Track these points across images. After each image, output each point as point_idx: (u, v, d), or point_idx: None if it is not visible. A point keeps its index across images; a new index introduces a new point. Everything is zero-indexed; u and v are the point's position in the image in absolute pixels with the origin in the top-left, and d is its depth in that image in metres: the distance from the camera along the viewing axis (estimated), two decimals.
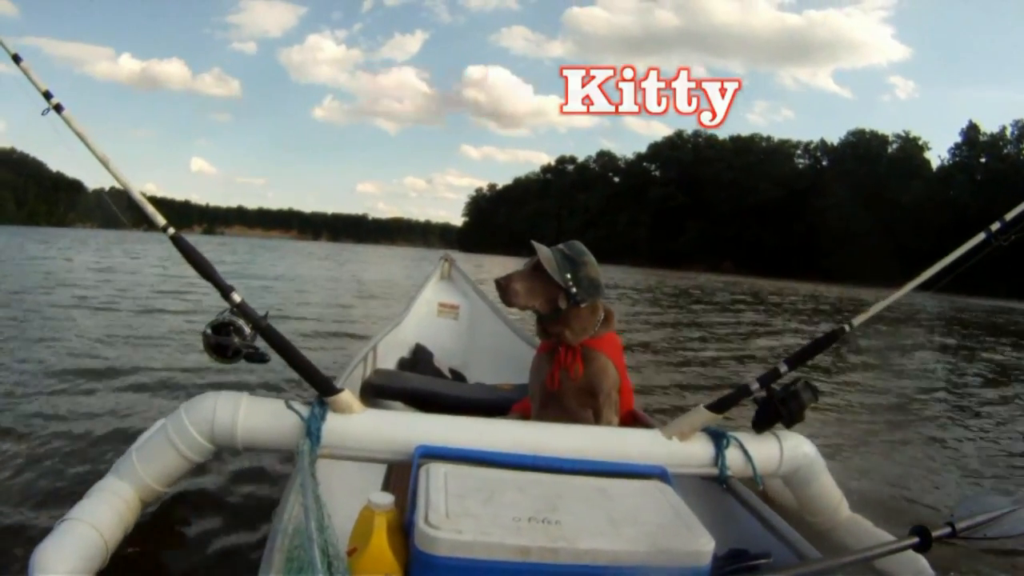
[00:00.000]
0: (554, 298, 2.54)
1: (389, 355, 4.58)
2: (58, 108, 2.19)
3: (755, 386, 2.29)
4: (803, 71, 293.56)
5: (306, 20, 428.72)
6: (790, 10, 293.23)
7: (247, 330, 2.09)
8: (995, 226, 2.35)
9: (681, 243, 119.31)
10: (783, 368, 2.29)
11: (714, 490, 2.38)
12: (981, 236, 2.36)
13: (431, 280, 6.03)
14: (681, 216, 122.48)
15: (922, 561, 2.18)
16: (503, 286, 2.57)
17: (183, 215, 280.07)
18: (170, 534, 2.95)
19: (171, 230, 2.12)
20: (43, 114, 2.19)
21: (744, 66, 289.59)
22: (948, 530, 2.16)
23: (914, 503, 4.14)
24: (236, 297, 2.08)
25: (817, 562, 1.89)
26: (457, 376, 4.77)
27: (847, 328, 2.32)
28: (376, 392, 3.48)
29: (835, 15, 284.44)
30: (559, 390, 2.58)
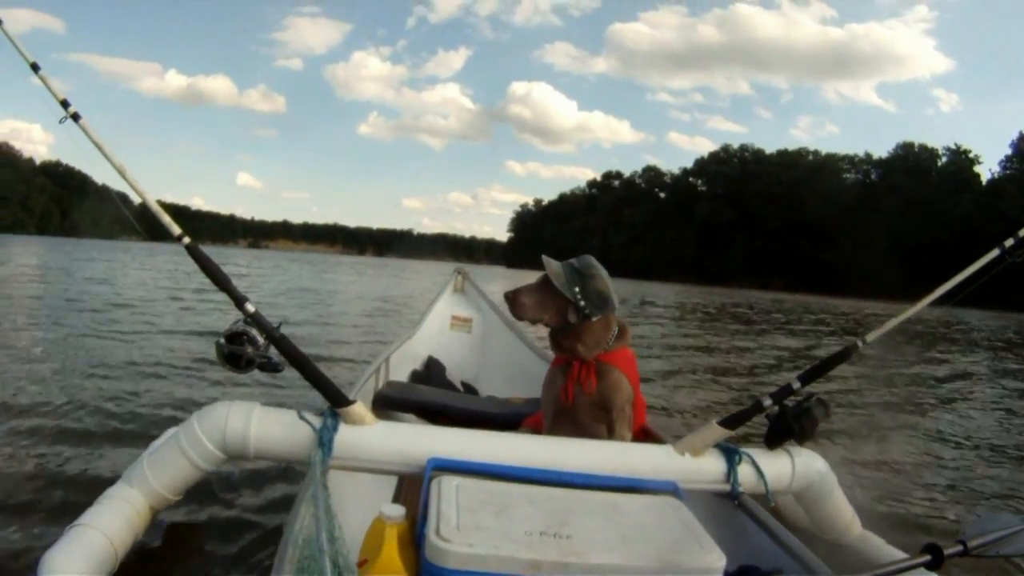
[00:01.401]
0: (563, 312, 2.53)
1: (401, 367, 4.58)
2: (75, 117, 2.20)
3: (768, 402, 2.28)
4: (846, 85, 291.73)
5: (351, 37, 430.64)
6: (832, 24, 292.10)
7: (261, 340, 2.11)
8: (1009, 242, 2.34)
9: (728, 259, 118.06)
10: (796, 384, 2.28)
11: (726, 506, 2.37)
12: (995, 252, 2.35)
13: (444, 293, 6.01)
14: (728, 232, 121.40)
15: None
16: (512, 299, 2.58)
17: (228, 229, 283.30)
18: (180, 543, 2.95)
19: (186, 240, 2.13)
20: (60, 122, 2.19)
21: (788, 81, 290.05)
22: (960, 548, 2.14)
23: (925, 521, 4.11)
24: (250, 307, 2.08)
25: None
26: (469, 389, 4.76)
27: (860, 344, 2.31)
28: (388, 404, 3.48)
29: (877, 28, 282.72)
30: (572, 405, 2.56)
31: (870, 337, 2.31)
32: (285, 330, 2.17)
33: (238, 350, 2.10)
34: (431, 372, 4.76)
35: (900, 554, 2.31)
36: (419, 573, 1.60)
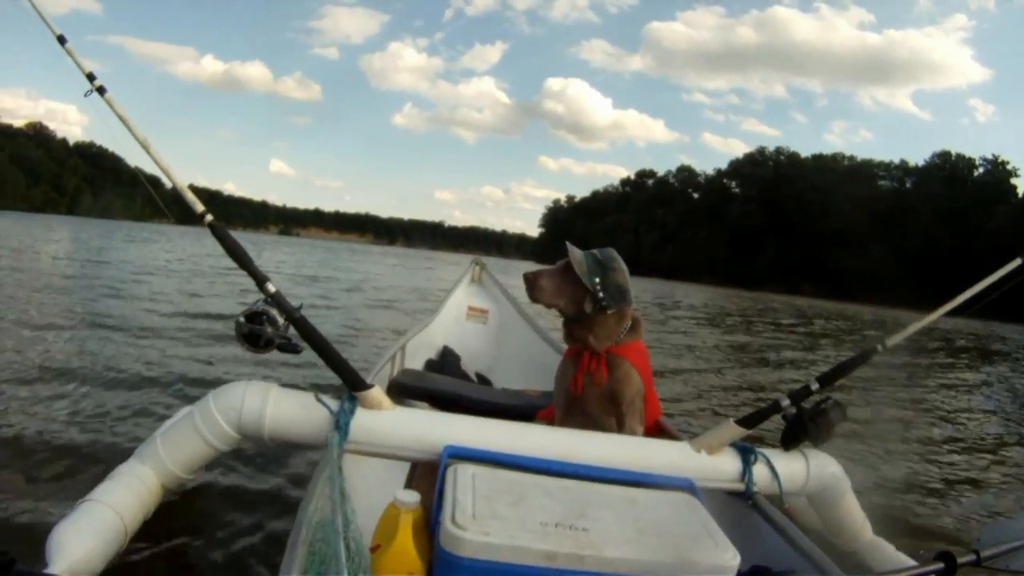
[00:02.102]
0: (580, 300, 2.52)
1: (417, 356, 4.59)
2: (101, 90, 2.19)
3: (785, 402, 2.27)
4: (882, 91, 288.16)
5: (388, 27, 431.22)
6: (870, 29, 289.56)
7: (280, 320, 2.10)
8: None
9: (759, 263, 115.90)
10: (814, 386, 2.27)
11: (739, 505, 2.36)
12: (1017, 262, 2.35)
13: (461, 283, 6.01)
14: (760, 235, 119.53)
15: None
16: (531, 281, 2.56)
17: (260, 215, 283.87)
18: (191, 520, 2.96)
19: (209, 218, 2.12)
20: (85, 95, 2.19)
21: (824, 85, 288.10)
22: (973, 557, 2.13)
23: (938, 525, 4.10)
24: (271, 287, 2.08)
25: None
26: (483, 380, 4.76)
27: (879, 348, 2.31)
28: (402, 392, 3.47)
29: (915, 35, 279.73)
30: (582, 395, 2.56)
31: (890, 341, 2.32)
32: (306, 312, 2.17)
33: (257, 330, 2.09)
34: (446, 361, 4.76)
35: (911, 561, 2.30)
36: (432, 560, 1.60)
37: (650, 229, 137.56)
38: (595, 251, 2.58)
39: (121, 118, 2.16)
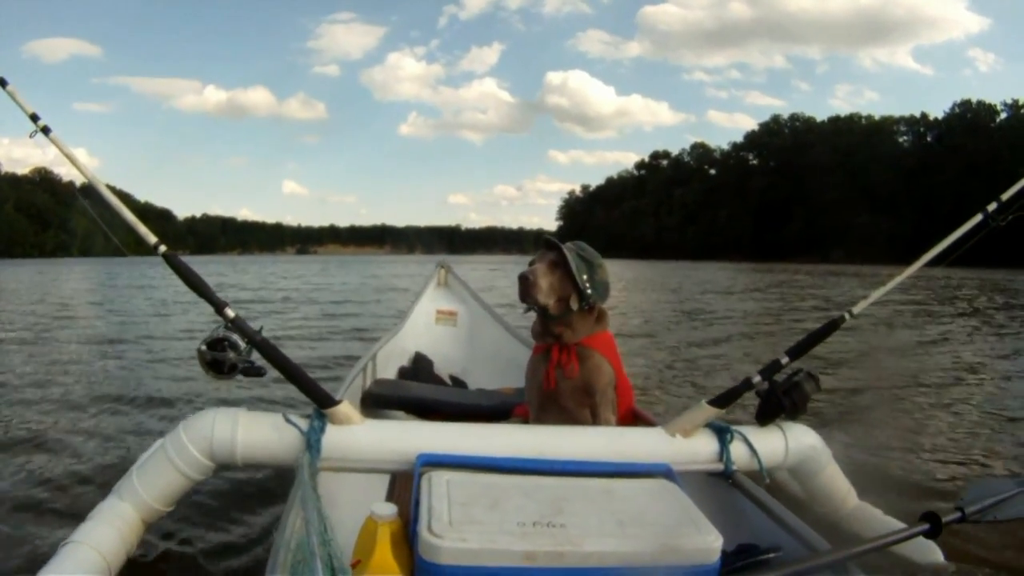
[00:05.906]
0: (567, 298, 2.53)
1: (389, 365, 4.56)
2: (45, 130, 2.19)
3: (757, 379, 2.27)
4: (882, 51, 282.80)
5: (385, 40, 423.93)
6: None
7: (242, 345, 2.08)
8: (992, 207, 2.38)
9: (786, 234, 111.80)
10: (784, 359, 2.28)
11: (720, 486, 2.36)
12: (978, 217, 2.38)
13: (428, 288, 5.98)
14: (785, 205, 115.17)
15: (933, 547, 2.17)
16: (531, 281, 2.51)
17: (275, 237, 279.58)
18: (173, 554, 2.93)
19: (162, 248, 2.11)
20: (31, 136, 2.19)
21: (822, 51, 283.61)
22: (958, 515, 2.15)
23: (923, 487, 4.11)
24: (230, 312, 2.06)
25: (828, 553, 1.88)
26: (458, 383, 4.75)
27: (846, 317, 2.32)
28: (377, 402, 3.46)
29: None
30: (555, 390, 2.57)
31: (856, 309, 2.33)
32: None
33: (220, 356, 2.08)
34: (419, 368, 4.75)
35: (898, 524, 2.31)
36: (414, 571, 1.59)
37: (670, 211, 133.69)
38: (571, 246, 2.58)
39: (68, 156, 2.16)
